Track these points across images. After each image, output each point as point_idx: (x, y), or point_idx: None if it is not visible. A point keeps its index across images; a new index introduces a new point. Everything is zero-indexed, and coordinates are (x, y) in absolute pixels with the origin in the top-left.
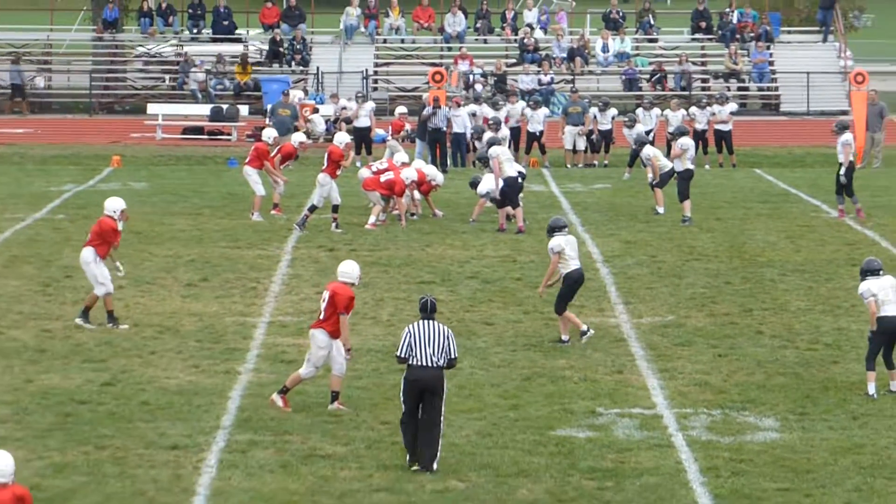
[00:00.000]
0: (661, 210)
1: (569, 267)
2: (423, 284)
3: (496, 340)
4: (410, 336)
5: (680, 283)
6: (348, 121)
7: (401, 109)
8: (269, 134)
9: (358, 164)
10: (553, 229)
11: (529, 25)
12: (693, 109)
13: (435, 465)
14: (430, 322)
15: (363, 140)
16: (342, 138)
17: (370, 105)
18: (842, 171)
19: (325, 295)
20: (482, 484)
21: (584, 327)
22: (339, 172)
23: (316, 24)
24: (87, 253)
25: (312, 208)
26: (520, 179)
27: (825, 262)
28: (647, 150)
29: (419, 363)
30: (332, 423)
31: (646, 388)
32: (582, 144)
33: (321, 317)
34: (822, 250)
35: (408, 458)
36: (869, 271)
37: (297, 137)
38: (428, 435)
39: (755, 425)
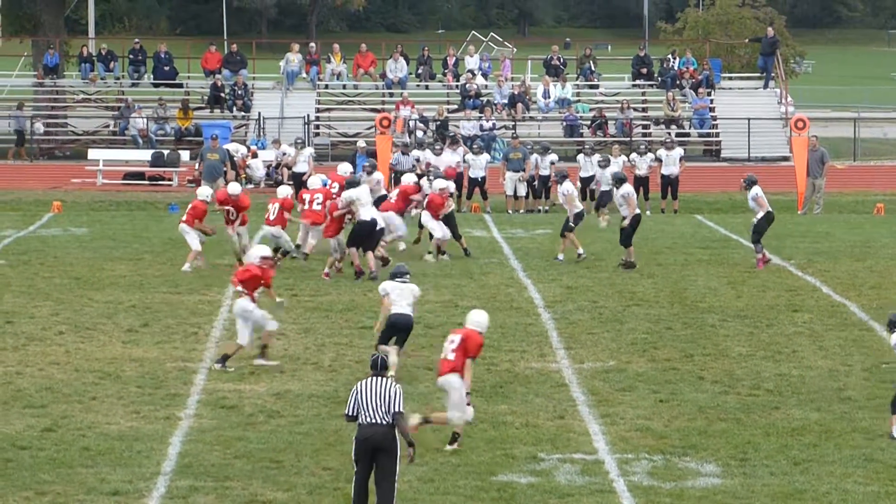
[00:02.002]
0: (560, 257)
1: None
2: (364, 329)
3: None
4: (358, 393)
5: (621, 328)
6: (288, 167)
7: (410, 178)
8: (204, 192)
9: (299, 209)
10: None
11: (471, 71)
12: (633, 155)
13: None
14: (379, 379)
15: (302, 186)
16: (285, 192)
17: (309, 151)
18: (755, 220)
19: (455, 338)
20: None
21: None
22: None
23: (258, 70)
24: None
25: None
26: (378, 226)
27: (766, 308)
28: (567, 187)
29: (368, 421)
30: (274, 468)
31: (587, 434)
32: (523, 190)
33: (450, 358)
34: (763, 296)
35: None
36: None
37: (233, 189)
38: (382, 495)
39: (696, 471)
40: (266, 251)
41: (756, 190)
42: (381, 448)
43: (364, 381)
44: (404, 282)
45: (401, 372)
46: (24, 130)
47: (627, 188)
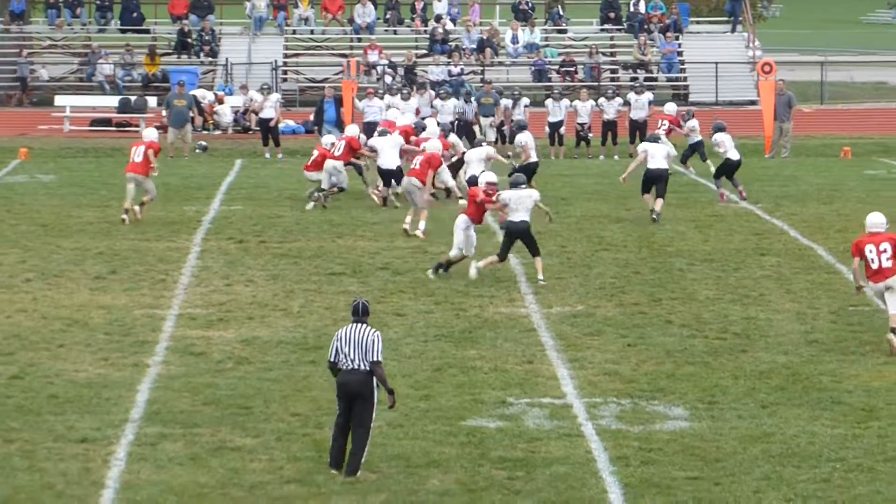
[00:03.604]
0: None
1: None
2: (333, 276)
3: (407, 331)
4: (339, 340)
5: (589, 273)
6: (256, 112)
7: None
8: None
9: (267, 156)
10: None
11: (439, 16)
12: (601, 100)
13: (358, 474)
14: (359, 325)
15: (269, 131)
16: (354, 130)
17: (276, 97)
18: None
19: (887, 247)
20: (393, 475)
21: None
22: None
23: (225, 15)
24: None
25: (321, 190)
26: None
27: (733, 252)
28: (522, 137)
29: (346, 367)
30: (242, 415)
31: (556, 378)
32: (492, 136)
33: (882, 267)
34: (730, 240)
35: (329, 461)
36: None
37: (148, 134)
38: (355, 440)
39: (664, 414)
40: (492, 177)
41: (717, 136)
42: (358, 395)
43: (344, 328)
44: (524, 188)
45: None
46: None
47: (525, 136)
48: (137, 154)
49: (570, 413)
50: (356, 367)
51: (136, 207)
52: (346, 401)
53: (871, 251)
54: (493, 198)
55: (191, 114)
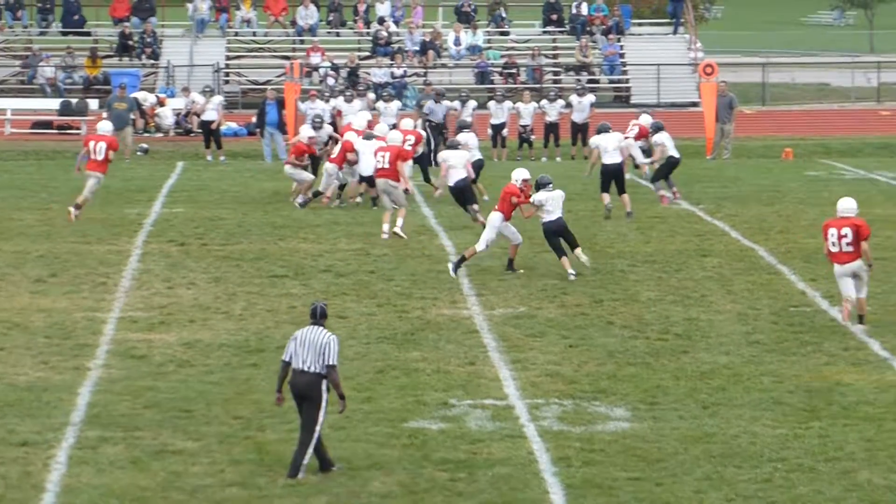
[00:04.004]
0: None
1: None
2: (275, 278)
3: (349, 333)
4: (295, 341)
5: (532, 274)
6: (198, 114)
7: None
8: (105, 127)
9: (209, 158)
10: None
11: (382, 18)
12: (544, 102)
13: (301, 475)
14: (316, 328)
15: (211, 134)
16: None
17: (218, 99)
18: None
19: (848, 232)
20: (335, 477)
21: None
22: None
23: (167, 18)
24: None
25: (316, 193)
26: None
27: (675, 253)
28: (464, 136)
29: (297, 367)
30: (184, 418)
31: (498, 379)
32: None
33: (841, 252)
34: (671, 241)
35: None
36: None
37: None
38: (299, 442)
39: (606, 415)
40: (526, 174)
41: (658, 136)
42: (306, 396)
43: (302, 330)
44: (552, 188)
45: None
46: None
47: (467, 136)
48: (99, 152)
49: (513, 414)
50: (306, 368)
51: (72, 209)
52: (297, 402)
53: (832, 234)
54: (530, 198)
55: (132, 116)
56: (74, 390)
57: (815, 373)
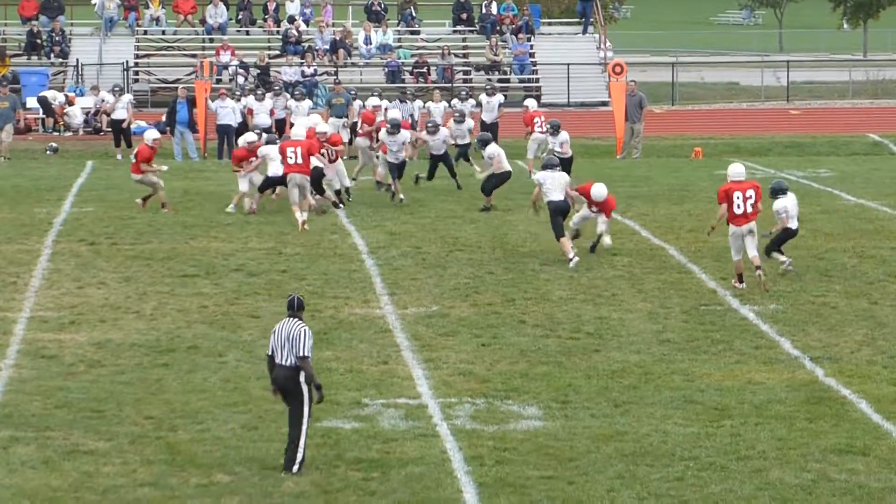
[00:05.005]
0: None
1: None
2: (186, 278)
3: (262, 333)
4: (274, 335)
5: (444, 273)
6: (107, 113)
7: (373, 101)
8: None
9: (119, 157)
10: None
11: (292, 17)
12: (455, 101)
13: (295, 468)
14: (291, 320)
15: (121, 132)
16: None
17: (127, 97)
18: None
19: (752, 194)
20: (248, 477)
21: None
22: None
23: (75, 16)
24: None
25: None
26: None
27: (586, 252)
28: (406, 135)
29: (278, 361)
30: (95, 418)
31: (411, 378)
32: (346, 136)
33: (746, 212)
34: (582, 240)
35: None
36: None
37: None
38: (289, 438)
39: (518, 414)
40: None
41: (561, 135)
42: (286, 390)
43: (279, 323)
44: (557, 170)
45: (223, 320)
46: None
47: (493, 149)
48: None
49: (426, 413)
50: (283, 361)
51: None
52: (282, 396)
53: (738, 197)
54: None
55: (14, 115)
56: None
57: (727, 371)
